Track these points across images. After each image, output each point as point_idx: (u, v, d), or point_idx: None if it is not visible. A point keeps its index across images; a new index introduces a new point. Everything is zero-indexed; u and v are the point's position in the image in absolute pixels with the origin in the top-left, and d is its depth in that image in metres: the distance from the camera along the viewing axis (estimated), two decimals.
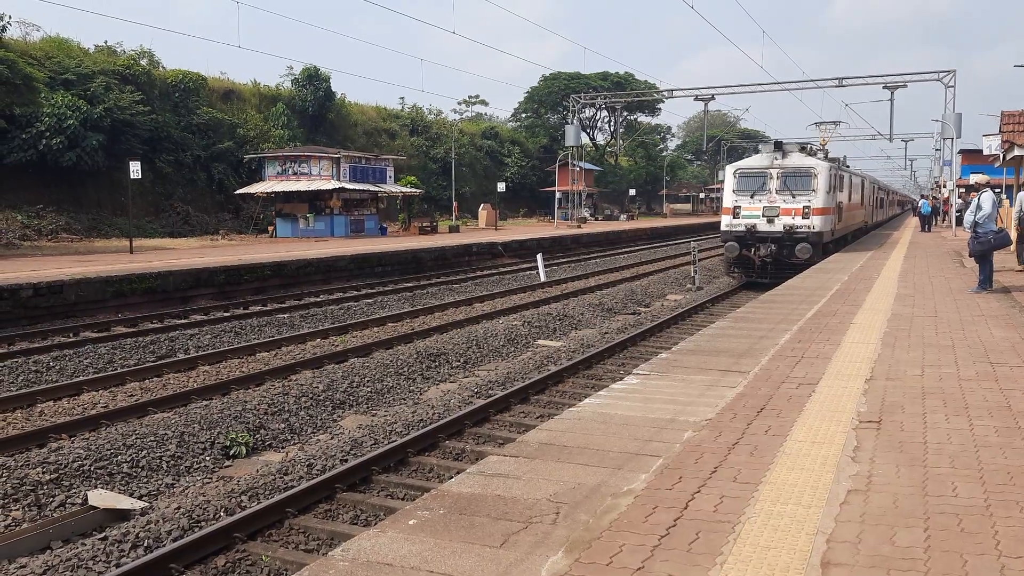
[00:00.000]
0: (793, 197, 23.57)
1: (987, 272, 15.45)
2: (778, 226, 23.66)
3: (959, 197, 40.88)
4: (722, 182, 30.88)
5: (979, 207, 15.21)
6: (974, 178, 24.33)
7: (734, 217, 24.26)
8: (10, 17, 37.40)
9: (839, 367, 8.40)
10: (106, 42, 46.25)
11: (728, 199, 24.76)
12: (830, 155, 30.30)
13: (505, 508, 4.66)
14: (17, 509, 7.90)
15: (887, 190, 64.71)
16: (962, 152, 46.38)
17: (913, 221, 54.39)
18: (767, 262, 23.87)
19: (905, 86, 42.91)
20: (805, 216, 23.36)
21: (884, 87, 43.47)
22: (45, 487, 8.31)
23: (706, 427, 6.25)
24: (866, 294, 14.65)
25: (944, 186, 48.97)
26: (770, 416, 6.56)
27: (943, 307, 12.91)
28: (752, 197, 24.04)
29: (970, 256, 16.82)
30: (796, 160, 24.30)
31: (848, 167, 33.89)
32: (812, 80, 43.68)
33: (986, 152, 30.60)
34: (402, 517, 4.59)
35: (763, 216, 23.86)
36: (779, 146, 25.08)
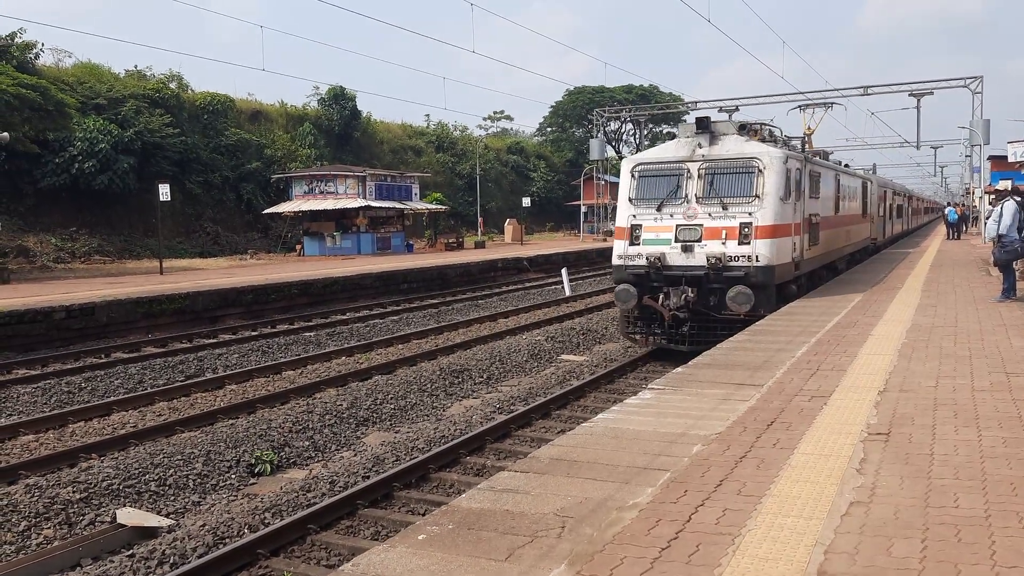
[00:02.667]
0: (724, 209, 14.69)
1: (1011, 280, 15.36)
2: (699, 258, 14.64)
3: (989, 204, 40.49)
4: None
5: (1000, 216, 15.19)
6: (1002, 185, 24.18)
7: (631, 243, 15.26)
8: (43, 45, 38.35)
9: (853, 379, 8.45)
10: (136, 66, 47.17)
11: (622, 213, 15.63)
12: (813, 148, 21.81)
13: (512, 523, 4.80)
14: (48, 527, 8.15)
15: (907, 195, 52.67)
16: (991, 158, 45.93)
17: (943, 230, 53.84)
18: (682, 317, 14.91)
19: (931, 93, 42.61)
20: (744, 240, 14.49)
21: (910, 95, 43.19)
22: (75, 506, 8.56)
23: (715, 441, 6.34)
24: (888, 304, 14.62)
25: (972, 193, 48.51)
26: (780, 429, 6.64)
27: (964, 317, 12.87)
28: (660, 210, 15.09)
29: (994, 264, 16.75)
30: (731, 147, 15.24)
31: (843, 164, 26.06)
32: (837, 89, 43.52)
33: (1011, 159, 30.35)
34: (412, 532, 4.73)
35: (676, 242, 14.85)
36: (703, 125, 15.49)
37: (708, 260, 14.48)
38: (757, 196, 14.56)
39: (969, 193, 52.09)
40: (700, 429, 6.69)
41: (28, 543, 7.85)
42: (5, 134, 26.26)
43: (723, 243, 14.53)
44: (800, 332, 11.74)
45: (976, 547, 4.27)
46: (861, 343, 10.64)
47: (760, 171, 14.65)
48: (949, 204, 62.50)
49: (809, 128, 23.81)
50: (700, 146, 15.22)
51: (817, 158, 19.51)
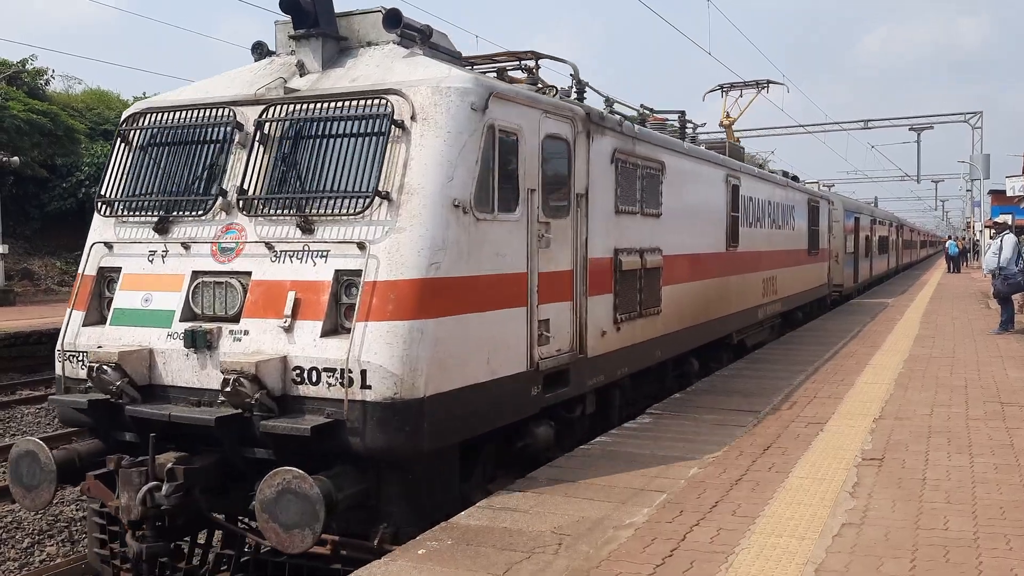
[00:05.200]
0: (306, 230, 5.80)
1: (1010, 313, 15.49)
2: (210, 372, 5.72)
3: (990, 237, 40.65)
4: None
5: (1000, 249, 15.41)
6: (1002, 218, 24.39)
7: (90, 319, 6.39)
8: (53, 71, 38.80)
9: (849, 407, 8.55)
10: (144, 93, 47.64)
11: (93, 237, 6.78)
12: (736, 139, 16.15)
13: (510, 539, 4.89)
14: (52, 545, 8.23)
15: (897, 224, 42.79)
16: (992, 192, 46.17)
17: (943, 265, 54.07)
18: (143, 534, 5.54)
19: (931, 127, 42.99)
20: (337, 325, 5.61)
21: (910, 128, 43.55)
22: (78, 524, 8.64)
23: (711, 464, 6.44)
24: (887, 335, 14.73)
25: (972, 227, 48.77)
26: (776, 454, 6.74)
27: (962, 348, 12.98)
28: (164, 231, 6.29)
29: (994, 296, 16.89)
30: (360, 72, 6.31)
31: (797, 179, 18.70)
32: (837, 123, 43.89)
33: (1009, 193, 30.58)
34: (412, 547, 4.83)
35: (184, 320, 5.94)
36: (303, 15, 6.38)
37: (229, 382, 5.47)
38: (385, 196, 5.72)
39: (970, 227, 52.38)
40: (697, 453, 6.78)
41: (31, 560, 7.93)
42: (15, 158, 26.56)
43: (284, 326, 5.68)
44: (797, 361, 11.81)
45: (964, 567, 4.37)
46: (859, 372, 10.73)
47: (402, 128, 5.84)
48: (950, 237, 62.77)
49: (728, 116, 17.18)
50: (301, 71, 6.51)
51: (672, 137, 10.52)
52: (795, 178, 18.59)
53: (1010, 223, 19.23)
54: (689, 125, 11.59)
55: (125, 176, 6.68)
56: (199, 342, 5.75)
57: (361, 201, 5.73)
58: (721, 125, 17.07)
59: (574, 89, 8.02)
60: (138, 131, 6.83)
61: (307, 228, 5.79)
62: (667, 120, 11.02)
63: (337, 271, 5.64)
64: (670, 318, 9.56)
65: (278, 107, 6.17)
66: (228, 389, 5.38)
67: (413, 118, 5.79)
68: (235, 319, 5.81)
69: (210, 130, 6.43)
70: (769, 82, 17.49)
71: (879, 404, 8.68)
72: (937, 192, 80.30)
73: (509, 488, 5.97)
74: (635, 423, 8.04)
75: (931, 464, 6.36)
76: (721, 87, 17.35)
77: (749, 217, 13.05)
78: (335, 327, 5.59)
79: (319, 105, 6.07)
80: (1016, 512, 5.23)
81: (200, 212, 6.22)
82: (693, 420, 8.03)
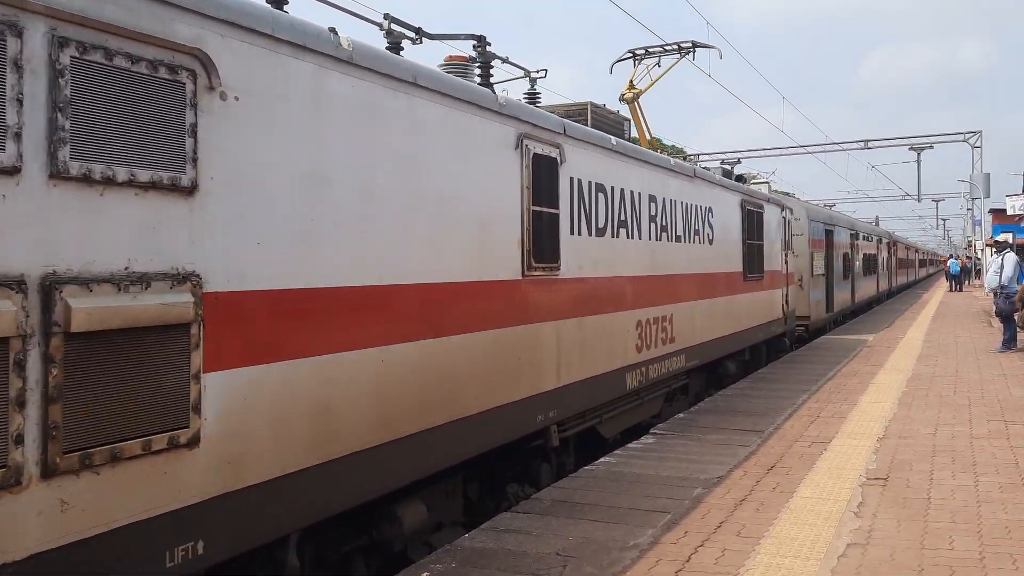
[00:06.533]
0: None
1: (1012, 331, 15.47)
2: None
3: (991, 256, 40.55)
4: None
5: (1002, 267, 15.45)
6: (1002, 237, 24.40)
7: None
8: None
9: (853, 426, 8.53)
10: None
11: None
12: (641, 120, 12.75)
13: (514, 561, 4.88)
14: None
15: (889, 241, 38.51)
16: (993, 211, 46.18)
17: (944, 286, 54.04)
18: None
19: (931, 147, 43.02)
20: None
21: (910, 148, 43.58)
22: None
23: (716, 484, 6.43)
24: (889, 354, 14.71)
25: (973, 245, 48.83)
26: (780, 473, 6.72)
27: (965, 367, 12.96)
28: None
29: (996, 315, 16.90)
30: None
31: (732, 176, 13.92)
32: (837, 143, 43.90)
33: (1009, 212, 30.61)
34: (415, 570, 4.82)
35: None
36: None
37: None
38: None
39: (971, 245, 52.42)
40: (700, 473, 6.77)
41: None
42: None
43: None
44: (801, 380, 11.80)
45: None
46: (862, 391, 10.73)
47: None
48: (952, 256, 62.78)
49: (632, 87, 13.04)
50: None
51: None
52: (740, 178, 14.43)
53: (1011, 241, 19.26)
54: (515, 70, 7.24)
55: None
56: None
57: None
58: (622, 99, 12.86)
59: None
60: None
61: None
62: (470, 60, 6.78)
63: None
64: (247, 448, 3.92)
65: None
66: None
67: None
68: None
69: None
70: (695, 45, 13.43)
71: (883, 423, 8.66)
72: (938, 211, 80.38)
73: (514, 509, 5.96)
74: (639, 443, 8.03)
75: (936, 483, 6.35)
76: (633, 53, 13.35)
77: (597, 219, 7.87)
78: None
79: None
80: (1022, 531, 5.20)
81: None
82: (697, 440, 8.02)
